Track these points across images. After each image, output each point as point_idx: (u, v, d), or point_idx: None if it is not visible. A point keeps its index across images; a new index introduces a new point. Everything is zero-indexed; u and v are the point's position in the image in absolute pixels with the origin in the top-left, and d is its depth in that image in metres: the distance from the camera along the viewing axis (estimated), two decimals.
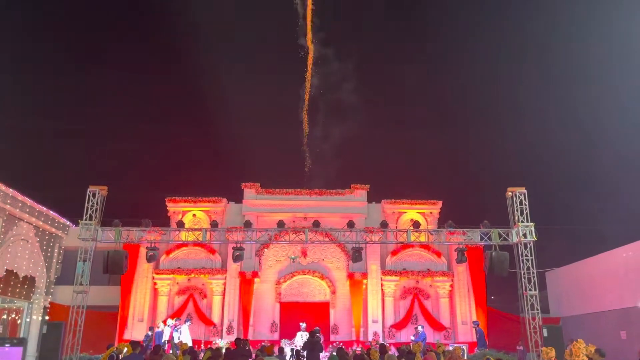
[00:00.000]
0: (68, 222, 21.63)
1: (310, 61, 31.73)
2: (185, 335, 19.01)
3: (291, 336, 20.59)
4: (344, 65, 33.55)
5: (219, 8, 35.07)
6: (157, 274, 22.77)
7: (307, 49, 32.26)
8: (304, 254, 23.62)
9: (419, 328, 20.43)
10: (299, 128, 30.85)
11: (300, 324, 20.32)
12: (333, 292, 23.17)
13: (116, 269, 17.18)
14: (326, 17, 32.41)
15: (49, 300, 20.61)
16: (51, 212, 20.28)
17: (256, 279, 22.98)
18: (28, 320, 19.30)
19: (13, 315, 19.41)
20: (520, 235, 17.36)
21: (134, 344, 12.71)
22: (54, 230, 20.68)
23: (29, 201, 18.39)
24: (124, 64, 42.72)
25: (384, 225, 19.24)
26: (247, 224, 19.39)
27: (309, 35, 32.02)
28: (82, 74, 40.00)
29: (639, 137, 31.95)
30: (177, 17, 36.97)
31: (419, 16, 42.52)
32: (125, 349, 13.64)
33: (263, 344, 17.30)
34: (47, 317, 20.16)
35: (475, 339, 20.47)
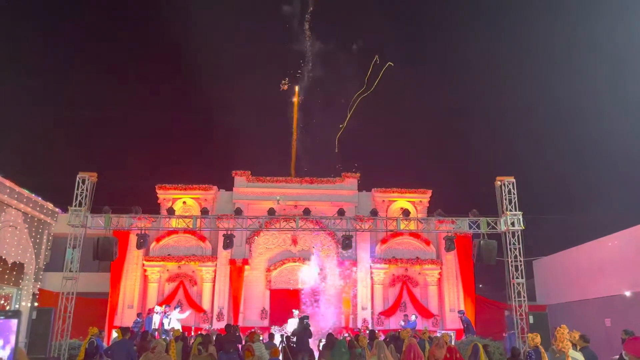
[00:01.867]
0: (57, 209, 21.50)
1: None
2: (174, 321, 19.09)
3: (281, 323, 20.75)
4: (338, 55, 33.45)
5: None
6: (147, 261, 22.77)
7: (304, 40, 32.16)
8: (294, 242, 23.71)
9: (412, 317, 20.70)
10: (290, 117, 30.73)
11: (293, 310, 20.48)
12: (323, 280, 23.30)
13: (106, 255, 17.16)
14: (323, 7, 32.29)
15: (38, 286, 20.54)
16: (40, 198, 20.14)
17: (246, 267, 23.05)
18: (17, 306, 19.23)
19: (2, 302, 19.32)
20: (509, 224, 17.53)
21: (123, 330, 12.76)
22: (42, 216, 20.54)
23: (17, 187, 18.23)
24: (115, 51, 42.37)
25: (374, 213, 19.34)
26: (238, 212, 19.41)
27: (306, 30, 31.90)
28: (73, 60, 39.62)
29: (627, 128, 32.27)
30: (169, 5, 36.67)
31: (411, 9, 42.48)
32: (113, 334, 13.64)
33: (252, 330, 17.43)
34: (36, 304, 20.12)
35: (462, 327, 20.72)
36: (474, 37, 40.52)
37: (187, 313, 21.04)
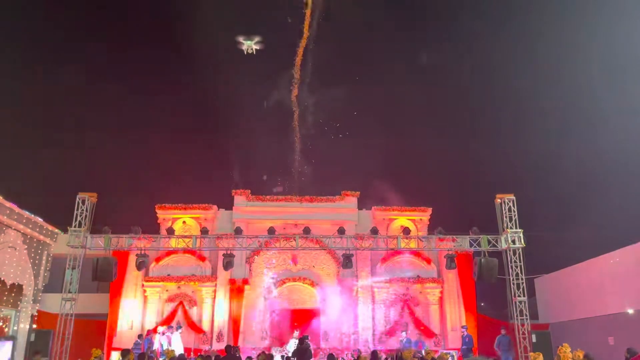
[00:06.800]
0: (56, 230, 21.45)
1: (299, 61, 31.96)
2: (177, 342, 18.90)
3: (281, 343, 20.58)
4: (335, 72, 33.73)
5: (218, 13, 35.10)
6: (146, 281, 22.64)
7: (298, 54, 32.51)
8: (295, 260, 23.62)
9: (403, 334, 20.59)
10: (290, 135, 30.90)
11: (295, 332, 20.33)
12: (323, 299, 23.14)
13: (105, 276, 17.10)
14: (320, 22, 32.59)
15: (37, 308, 20.39)
16: (39, 219, 20.10)
17: (246, 286, 22.91)
18: (15, 328, 19.07)
19: (0, 324, 19.18)
20: (509, 241, 17.51)
21: (124, 352, 12.69)
22: (42, 237, 20.47)
23: (16, 208, 18.20)
24: (115, 69, 42.57)
25: (374, 231, 19.30)
26: (238, 231, 19.38)
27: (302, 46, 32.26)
28: (72, 79, 39.80)
29: (627, 144, 32.31)
30: (172, 20, 36.96)
31: (410, 22, 42.79)
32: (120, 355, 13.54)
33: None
34: (34, 326, 19.95)
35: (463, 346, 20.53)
36: (476, 52, 40.81)
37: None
